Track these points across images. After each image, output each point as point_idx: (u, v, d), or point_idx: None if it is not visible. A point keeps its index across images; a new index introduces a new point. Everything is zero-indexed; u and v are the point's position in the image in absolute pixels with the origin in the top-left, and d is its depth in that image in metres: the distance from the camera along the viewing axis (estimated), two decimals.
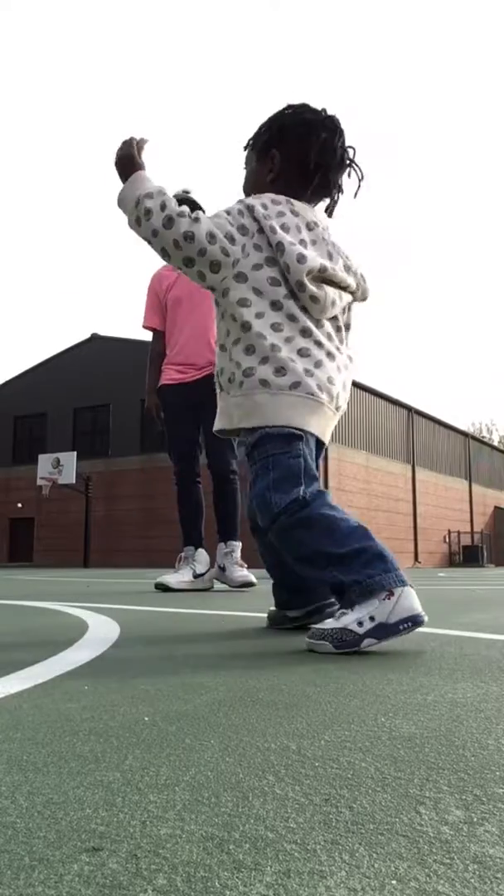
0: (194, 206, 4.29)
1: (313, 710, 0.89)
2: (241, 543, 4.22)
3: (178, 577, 4.11)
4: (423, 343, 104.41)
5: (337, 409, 1.71)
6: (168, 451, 4.32)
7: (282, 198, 1.74)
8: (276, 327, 1.64)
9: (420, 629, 1.88)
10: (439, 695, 1.00)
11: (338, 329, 1.75)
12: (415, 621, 1.45)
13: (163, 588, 4.05)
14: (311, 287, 1.66)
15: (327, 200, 1.83)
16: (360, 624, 1.42)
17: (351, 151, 1.80)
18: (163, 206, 1.66)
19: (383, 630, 1.43)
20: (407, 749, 0.72)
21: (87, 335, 29.73)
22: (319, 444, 1.72)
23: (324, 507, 1.56)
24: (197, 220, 1.64)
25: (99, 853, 0.47)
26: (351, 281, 1.75)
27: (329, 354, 1.68)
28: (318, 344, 1.66)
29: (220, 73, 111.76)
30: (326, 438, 1.73)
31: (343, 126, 1.80)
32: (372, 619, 1.42)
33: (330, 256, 1.72)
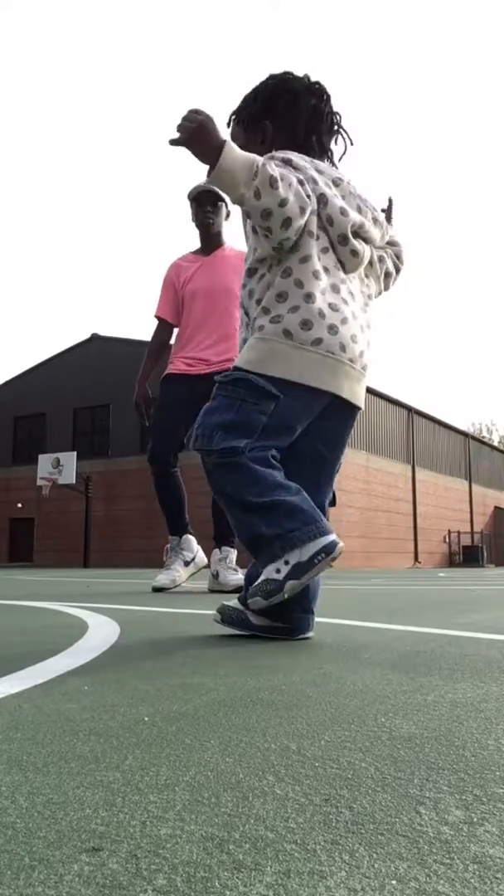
0: (219, 197, 4.24)
1: (313, 710, 0.89)
2: (236, 550, 4.17)
3: (171, 576, 4.05)
4: (423, 343, 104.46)
5: (363, 368, 1.69)
6: (150, 437, 4.20)
7: (306, 157, 1.71)
8: (317, 275, 1.62)
9: (420, 629, 1.88)
10: (439, 695, 1.00)
11: (362, 292, 1.74)
12: (327, 551, 1.51)
13: (160, 590, 3.99)
14: (354, 241, 1.66)
15: None
16: (279, 571, 1.52)
17: (338, 117, 1.80)
18: (282, 175, 1.54)
19: (300, 569, 1.51)
20: (407, 749, 0.72)
21: (87, 335, 29.74)
22: (351, 406, 1.69)
23: (256, 461, 1.58)
24: (302, 181, 1.59)
25: (99, 853, 0.47)
26: (377, 234, 1.75)
27: (353, 314, 1.68)
28: (345, 301, 1.66)
29: (220, 73, 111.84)
30: (356, 399, 1.70)
31: (329, 92, 1.79)
32: (287, 562, 1.51)
33: (360, 210, 1.72)
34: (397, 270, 1.89)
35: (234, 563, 4.12)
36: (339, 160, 1.82)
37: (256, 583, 1.55)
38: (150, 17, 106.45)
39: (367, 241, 1.72)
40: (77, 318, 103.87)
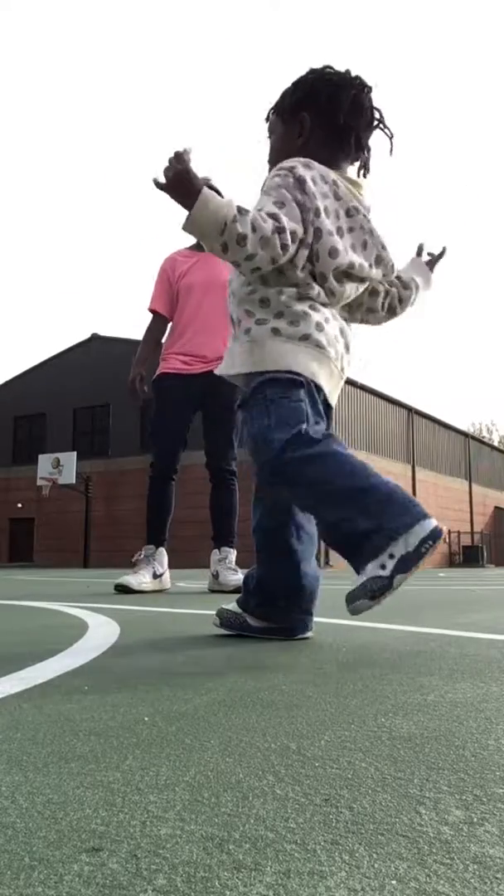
0: (217, 194, 4.19)
1: (313, 710, 0.89)
2: (235, 550, 4.14)
3: (138, 579, 3.98)
4: (423, 343, 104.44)
5: (342, 370, 1.69)
6: (152, 441, 4.15)
7: (331, 176, 1.69)
8: (300, 294, 1.63)
9: (420, 629, 1.88)
10: (439, 695, 0.99)
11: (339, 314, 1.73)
12: (434, 537, 1.41)
13: (123, 589, 3.89)
14: (333, 282, 1.65)
15: (357, 163, 1.79)
16: (384, 566, 1.38)
17: (378, 112, 1.78)
18: (254, 227, 1.54)
19: (407, 560, 1.38)
20: (407, 749, 0.72)
21: (87, 335, 29.75)
22: (327, 405, 1.68)
23: (332, 444, 1.51)
24: (282, 230, 1.56)
25: (99, 853, 0.47)
26: (376, 274, 1.74)
27: (334, 315, 1.69)
28: (325, 305, 1.67)
29: (220, 73, 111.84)
30: (333, 400, 1.69)
31: (370, 85, 1.76)
32: (392, 556, 1.38)
33: (364, 245, 1.70)
34: (390, 311, 1.86)
35: (234, 563, 4.10)
36: (390, 153, 1.80)
37: (355, 586, 1.42)
38: (150, 16, 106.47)
39: (359, 279, 1.71)
40: (77, 318, 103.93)
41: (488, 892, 0.41)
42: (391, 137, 1.80)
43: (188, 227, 1.59)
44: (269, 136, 1.86)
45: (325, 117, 1.74)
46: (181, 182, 1.58)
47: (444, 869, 0.44)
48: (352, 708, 0.91)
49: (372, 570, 1.40)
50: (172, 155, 1.60)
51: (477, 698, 0.97)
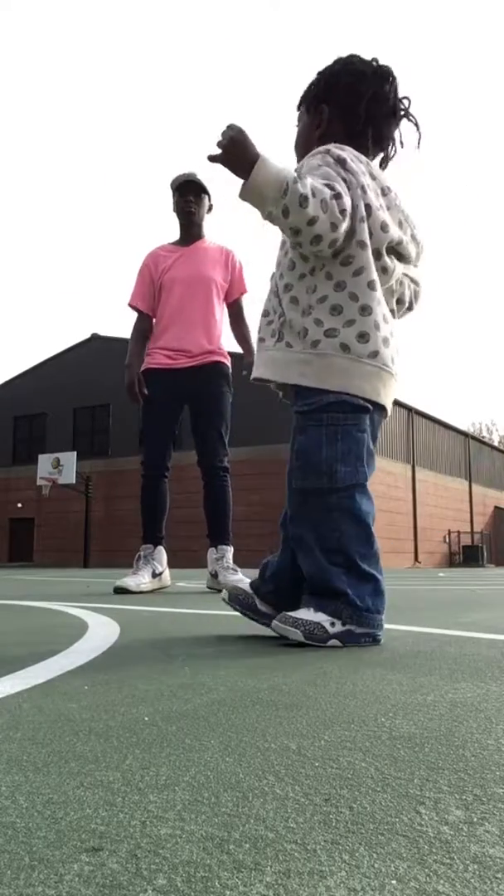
0: (203, 189, 4.21)
1: (313, 710, 0.89)
2: (232, 548, 4.12)
3: (137, 580, 3.95)
4: (423, 343, 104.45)
5: (397, 381, 1.70)
6: (140, 440, 4.12)
7: (363, 157, 1.67)
8: (371, 286, 1.61)
9: (420, 629, 1.89)
10: (439, 695, 0.99)
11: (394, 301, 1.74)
12: (374, 638, 1.57)
13: (122, 591, 3.84)
14: (386, 258, 1.64)
15: (381, 155, 1.77)
16: (333, 625, 1.52)
17: (406, 102, 1.74)
18: (314, 191, 1.50)
19: (349, 636, 1.53)
20: (407, 749, 0.72)
21: (87, 335, 29.75)
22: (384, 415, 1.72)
23: (371, 517, 1.61)
24: (339, 195, 1.53)
25: (99, 853, 0.47)
26: (414, 252, 1.73)
27: (395, 325, 1.69)
28: (387, 313, 1.67)
29: (220, 73, 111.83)
30: (390, 408, 1.71)
31: (396, 74, 1.72)
32: (344, 624, 1.53)
33: (400, 224, 1.69)
34: (409, 307, 1.84)
35: (231, 561, 4.07)
36: (418, 146, 1.76)
37: (303, 616, 1.53)
38: (150, 16, 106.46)
39: (402, 257, 1.70)
40: (77, 318, 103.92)
41: (488, 892, 0.41)
42: (418, 128, 1.75)
43: (246, 193, 1.53)
44: (297, 126, 1.85)
45: (343, 109, 1.72)
46: (237, 146, 1.52)
47: (444, 869, 0.44)
48: (352, 708, 0.91)
49: (323, 618, 1.53)
50: (225, 127, 1.55)
51: (477, 698, 0.97)
